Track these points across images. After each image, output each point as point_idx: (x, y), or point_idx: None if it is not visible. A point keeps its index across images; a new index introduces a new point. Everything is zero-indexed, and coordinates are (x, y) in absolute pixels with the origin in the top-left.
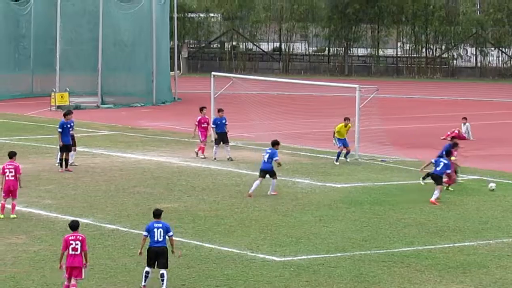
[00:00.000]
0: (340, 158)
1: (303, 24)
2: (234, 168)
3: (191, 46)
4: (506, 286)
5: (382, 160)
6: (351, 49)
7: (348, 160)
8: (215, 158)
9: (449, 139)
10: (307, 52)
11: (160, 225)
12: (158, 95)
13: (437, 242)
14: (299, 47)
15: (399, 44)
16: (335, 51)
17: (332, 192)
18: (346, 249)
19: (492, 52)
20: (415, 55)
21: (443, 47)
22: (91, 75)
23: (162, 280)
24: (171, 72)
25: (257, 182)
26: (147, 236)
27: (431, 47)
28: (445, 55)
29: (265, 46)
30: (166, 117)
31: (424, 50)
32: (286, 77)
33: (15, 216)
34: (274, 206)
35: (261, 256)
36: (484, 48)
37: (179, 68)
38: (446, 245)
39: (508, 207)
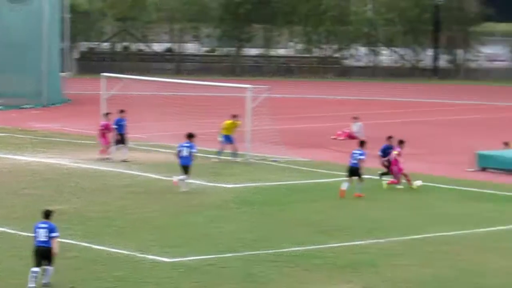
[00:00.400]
0: (225, 157)
1: (195, 25)
2: (125, 169)
3: (83, 47)
4: (396, 285)
5: (273, 160)
6: (243, 49)
7: (238, 160)
8: (108, 158)
9: (340, 138)
10: (199, 53)
11: (46, 225)
12: (48, 96)
13: (327, 241)
14: (191, 48)
15: (291, 44)
16: (227, 52)
17: (223, 193)
18: (236, 250)
19: (384, 52)
20: (307, 55)
21: (335, 46)
22: None
23: (46, 274)
24: (61, 73)
25: (183, 177)
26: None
27: (323, 47)
28: (337, 55)
29: (157, 47)
30: (56, 119)
31: (316, 50)
32: (178, 78)
33: None
34: (165, 207)
35: (151, 257)
36: (375, 48)
37: (70, 69)
38: (335, 244)
39: (398, 207)
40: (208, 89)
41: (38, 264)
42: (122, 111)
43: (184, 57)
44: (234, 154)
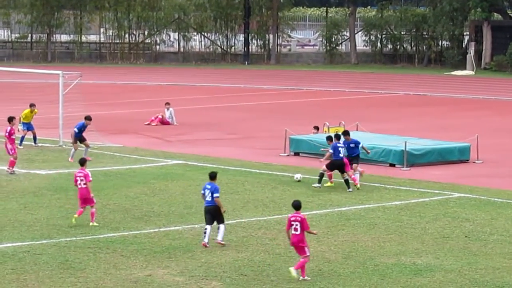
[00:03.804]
0: (26, 143)
1: (5, 11)
2: None
3: None
4: (211, 269)
5: None
6: (54, 35)
7: (38, 145)
8: None
9: (153, 124)
10: (9, 39)
11: (209, 186)
12: None
13: (143, 227)
14: (1, 34)
15: (102, 30)
16: (38, 38)
17: (36, 179)
18: (52, 236)
19: (195, 37)
20: (118, 41)
21: (146, 32)
22: None
23: (218, 231)
24: None
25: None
26: (203, 194)
27: (134, 32)
28: (148, 41)
29: None
30: None
31: (127, 35)
32: None
33: (95, 224)
34: None
35: None
36: (186, 33)
37: None
38: (151, 230)
39: None
40: (20, 75)
41: (208, 222)
42: None
43: None
44: (34, 141)
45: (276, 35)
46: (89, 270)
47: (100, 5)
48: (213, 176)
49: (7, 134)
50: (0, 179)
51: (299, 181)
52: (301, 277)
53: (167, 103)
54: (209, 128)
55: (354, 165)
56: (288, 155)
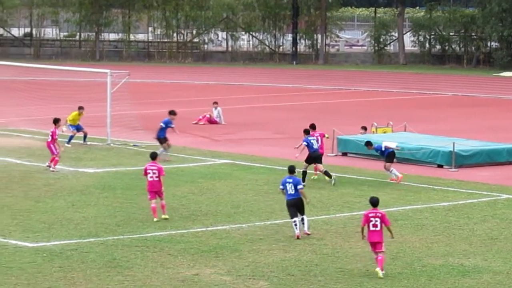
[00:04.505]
0: (75, 141)
1: (53, 9)
2: None
3: None
4: (259, 269)
5: (134, 145)
6: (102, 34)
7: (87, 143)
8: None
9: (201, 123)
10: (58, 37)
11: (291, 180)
12: None
13: (190, 226)
14: (50, 32)
15: (150, 29)
16: (86, 36)
17: (84, 177)
18: (99, 234)
19: (243, 37)
20: (166, 40)
21: (194, 31)
22: None
23: (303, 223)
24: None
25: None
26: (283, 189)
27: (182, 31)
28: (196, 40)
29: (15, 32)
30: None
31: (175, 35)
32: (37, 63)
33: (167, 216)
34: (26, 192)
35: (13, 242)
36: (234, 33)
37: None
38: (199, 229)
39: (259, 191)
40: (68, 74)
41: (293, 215)
42: None
43: (43, 42)
44: (84, 139)
45: (324, 35)
46: (136, 269)
47: (148, 4)
48: (292, 169)
49: (56, 136)
50: (48, 177)
51: None
52: (381, 273)
53: (215, 102)
54: (257, 128)
55: (387, 164)
56: (336, 155)
